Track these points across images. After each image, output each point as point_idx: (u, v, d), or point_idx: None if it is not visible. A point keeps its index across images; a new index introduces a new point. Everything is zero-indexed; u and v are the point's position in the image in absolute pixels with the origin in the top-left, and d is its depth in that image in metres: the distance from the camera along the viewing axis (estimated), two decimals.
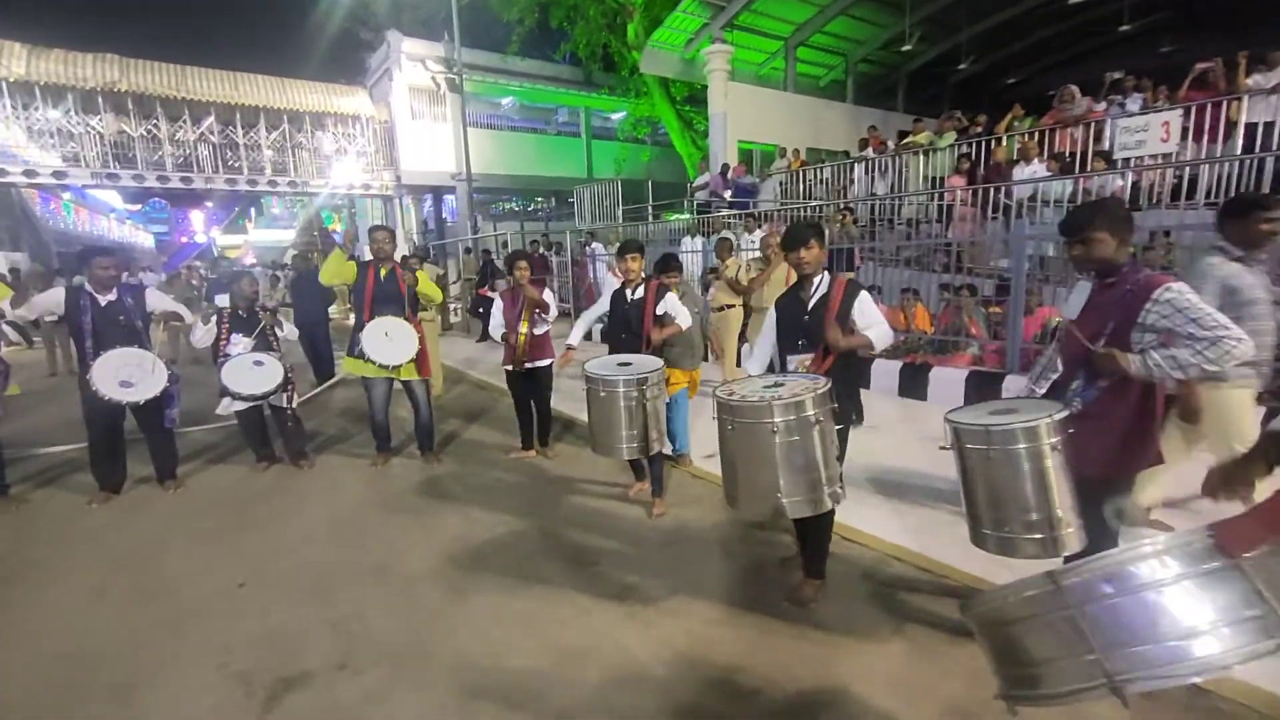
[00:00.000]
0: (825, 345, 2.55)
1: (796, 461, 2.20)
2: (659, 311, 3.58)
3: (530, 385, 4.50)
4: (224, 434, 5.28)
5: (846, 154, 12.42)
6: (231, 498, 4.02)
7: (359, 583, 2.91)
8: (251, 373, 4.13)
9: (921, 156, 9.58)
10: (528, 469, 4.42)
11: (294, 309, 7.70)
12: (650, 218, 14.44)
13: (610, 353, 3.67)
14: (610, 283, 6.87)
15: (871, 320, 2.54)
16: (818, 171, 11.89)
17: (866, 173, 10.52)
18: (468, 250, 15.28)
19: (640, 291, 3.61)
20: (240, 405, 4.19)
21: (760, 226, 9.06)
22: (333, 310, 10.45)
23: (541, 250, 12.73)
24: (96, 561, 3.19)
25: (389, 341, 4.25)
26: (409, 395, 4.49)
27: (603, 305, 3.92)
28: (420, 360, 4.41)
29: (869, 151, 10.72)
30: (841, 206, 8.35)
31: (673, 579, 2.88)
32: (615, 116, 24.27)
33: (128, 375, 3.74)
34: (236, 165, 16.97)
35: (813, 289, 2.61)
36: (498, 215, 25.44)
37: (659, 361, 3.24)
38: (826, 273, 2.65)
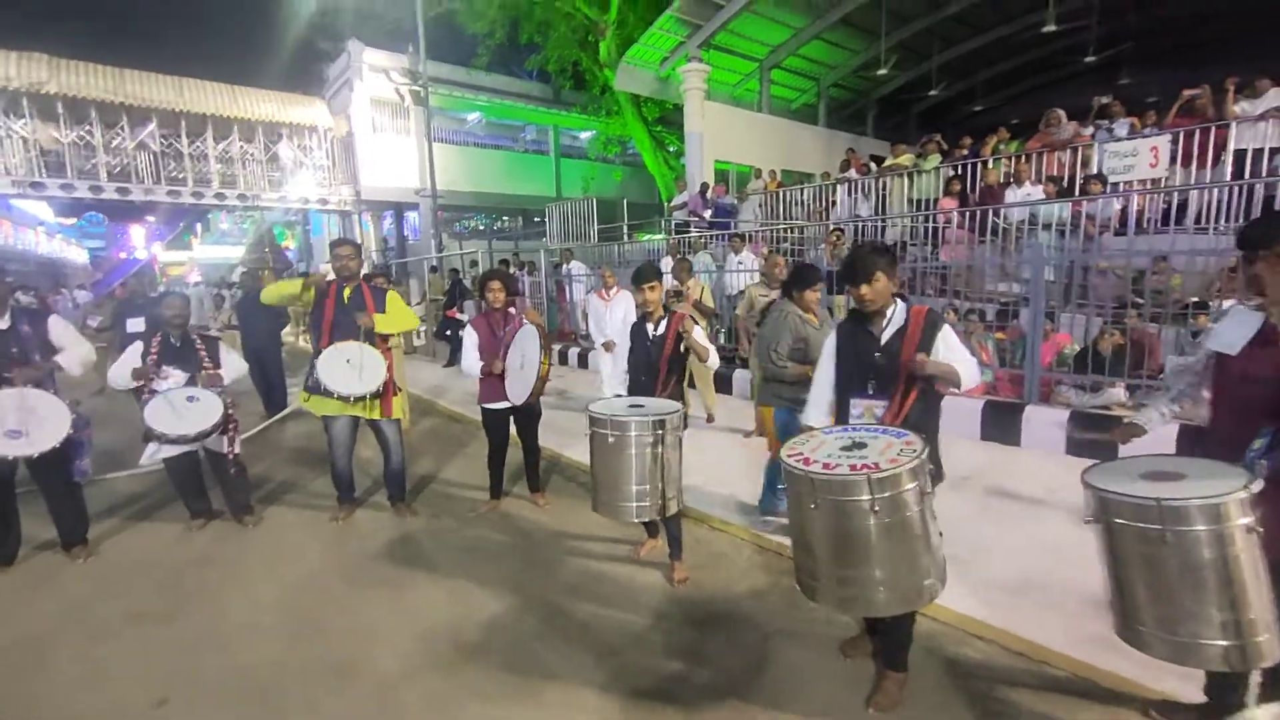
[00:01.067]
0: (903, 389, 2.12)
1: (898, 549, 1.75)
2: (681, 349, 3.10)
3: (519, 422, 3.94)
4: (152, 481, 4.49)
5: (826, 174, 12.33)
6: (157, 568, 3.30)
7: (316, 690, 2.29)
8: (184, 409, 3.43)
9: (905, 179, 9.48)
10: (515, 523, 3.84)
11: (241, 332, 6.92)
12: (624, 237, 14.06)
13: (630, 395, 3.18)
14: (595, 305, 6.38)
15: (959, 357, 2.14)
16: (797, 193, 11.75)
17: (850, 194, 10.38)
18: (433, 269, 14.56)
19: (662, 328, 3.12)
20: (170, 451, 3.48)
21: (745, 247, 8.75)
22: (285, 333, 9.64)
23: (512, 269, 12.15)
24: None
25: (350, 370, 3.63)
26: (376, 435, 3.87)
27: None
28: (386, 395, 3.80)
29: (852, 172, 10.60)
30: (832, 229, 8.10)
31: (714, 670, 2.36)
32: (585, 135, 24.01)
33: (16, 422, 3.02)
34: (180, 176, 15.86)
35: (885, 321, 2.20)
36: (462, 234, 24.70)
37: (675, 404, 2.75)
38: (899, 300, 2.23)
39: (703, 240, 10.62)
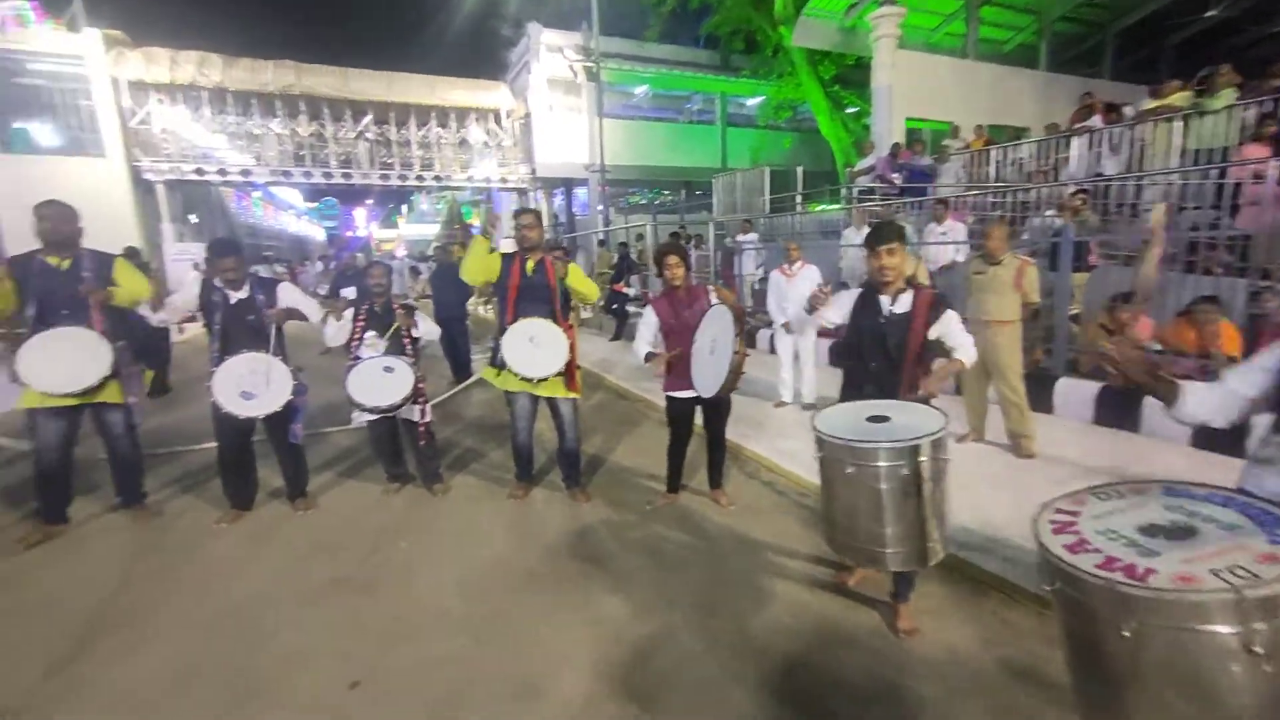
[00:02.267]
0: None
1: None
2: (932, 336, 2.44)
3: (706, 414, 3.55)
4: (361, 436, 4.86)
5: (1053, 126, 10.24)
6: (359, 531, 3.46)
7: (498, 707, 2.12)
8: (380, 381, 3.56)
9: (1178, 123, 7.42)
10: (696, 524, 3.48)
11: (434, 301, 7.47)
12: (796, 207, 13.06)
13: (847, 390, 2.61)
14: (776, 281, 5.76)
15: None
16: (1011, 150, 9.91)
17: (1090, 148, 8.44)
18: (601, 243, 14.82)
19: (905, 303, 2.48)
20: (371, 415, 3.66)
21: (948, 215, 7.50)
22: (470, 303, 10.35)
23: (680, 242, 11.86)
24: (199, 618, 2.68)
25: (534, 349, 3.50)
26: (553, 413, 3.73)
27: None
28: (569, 374, 3.63)
29: (1095, 120, 8.60)
30: (1073, 191, 6.55)
31: None
32: (752, 102, 22.87)
33: (250, 385, 3.29)
34: (390, 162, 17.83)
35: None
36: (626, 208, 25.04)
37: (939, 417, 2.09)
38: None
39: (892, 209, 9.40)
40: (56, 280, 3.14)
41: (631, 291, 11.37)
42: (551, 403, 3.70)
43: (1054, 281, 5.36)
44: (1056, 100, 13.86)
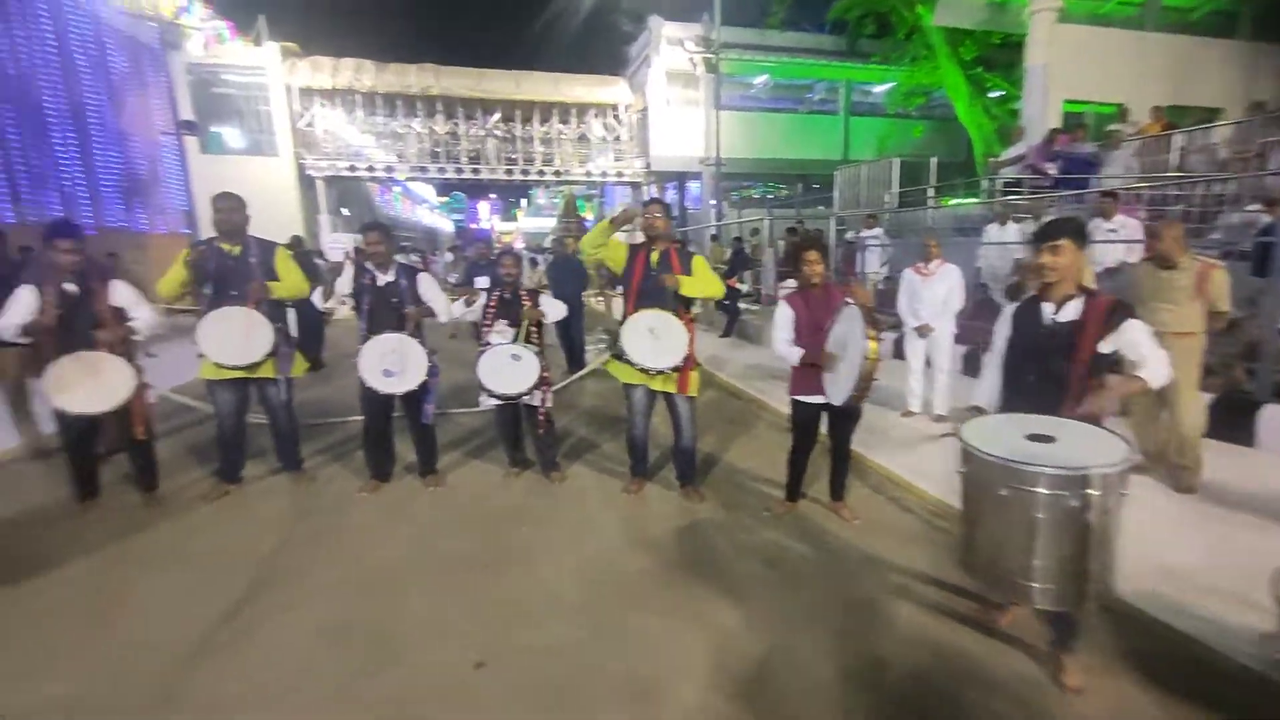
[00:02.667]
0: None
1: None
2: (1105, 349, 2.10)
3: (833, 421, 3.35)
4: (484, 420, 5.13)
5: (1258, 105, 8.67)
6: (484, 512, 3.62)
7: (612, 705, 2.10)
8: (508, 368, 3.69)
9: None
10: (817, 536, 3.29)
11: (551, 292, 7.72)
12: (928, 201, 12.11)
13: (1005, 402, 2.32)
14: (910, 281, 5.31)
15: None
16: (1197, 136, 8.51)
17: None
18: (713, 237, 14.62)
19: (1073, 310, 2.16)
20: (496, 401, 3.81)
21: (1116, 209, 6.56)
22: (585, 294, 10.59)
23: (798, 239, 11.40)
24: (346, 581, 2.91)
25: (653, 340, 3.46)
26: (670, 409, 3.68)
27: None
28: (684, 370, 3.56)
29: None
30: None
31: None
32: (880, 89, 21.53)
33: (390, 364, 3.53)
34: (514, 157, 18.73)
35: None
36: (739, 202, 24.56)
37: (1119, 446, 1.79)
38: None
39: (1045, 203, 8.41)
40: (229, 264, 3.53)
41: (744, 288, 11.12)
42: (669, 399, 3.65)
43: (1260, 288, 4.52)
44: (1262, 74, 11.78)
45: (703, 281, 3.59)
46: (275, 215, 15.57)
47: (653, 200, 3.63)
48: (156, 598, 2.72)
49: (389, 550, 3.14)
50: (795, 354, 3.26)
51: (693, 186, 23.02)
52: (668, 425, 3.76)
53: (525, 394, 3.68)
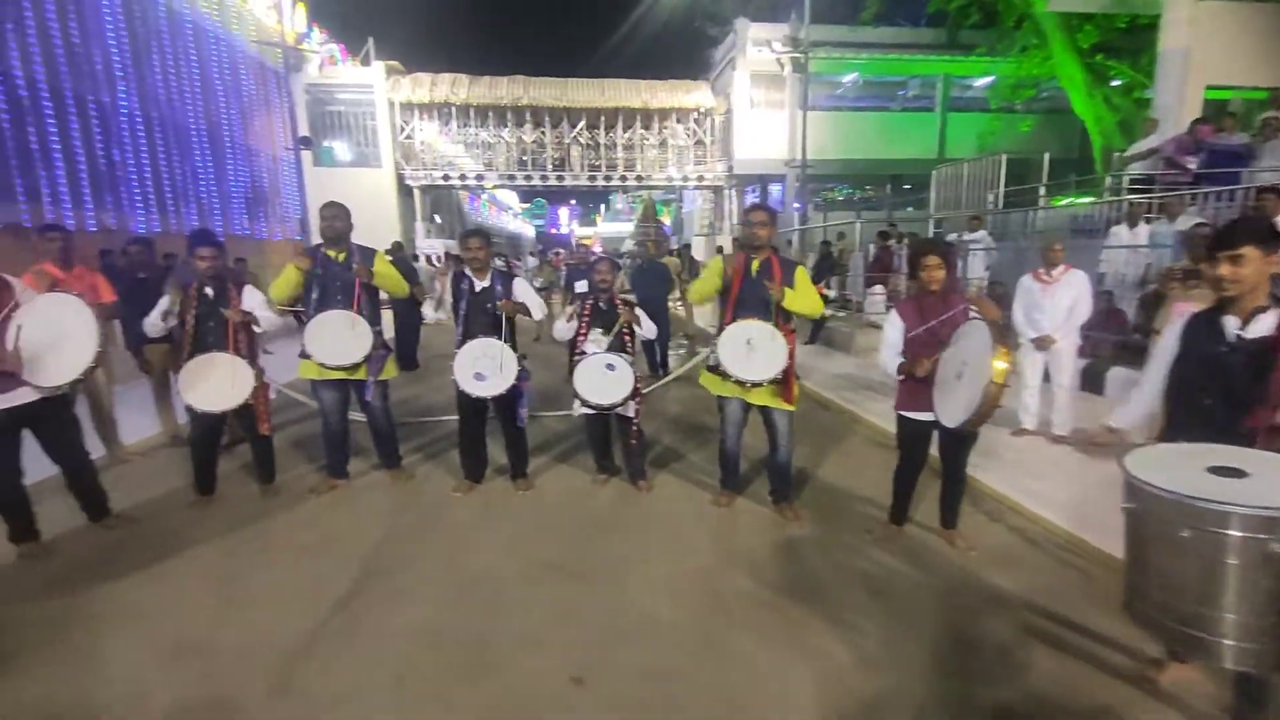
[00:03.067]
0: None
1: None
2: None
3: (945, 442, 3.09)
4: (571, 424, 5.14)
5: None
6: (574, 519, 3.61)
7: None
8: (602, 378, 3.65)
9: None
10: (930, 564, 3.03)
11: (635, 296, 7.71)
12: (1039, 202, 11.16)
13: (1171, 429, 2.02)
14: (1029, 289, 4.84)
15: None
16: None
17: None
18: (788, 242, 14.21)
19: (1266, 325, 1.84)
20: (588, 410, 3.78)
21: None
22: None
23: (890, 241, 10.83)
24: (444, 582, 2.96)
25: (750, 351, 3.32)
26: (766, 423, 3.52)
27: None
28: (785, 384, 3.39)
29: None
30: None
31: None
32: (981, 83, 20.17)
33: (483, 368, 3.59)
34: (597, 164, 19.03)
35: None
36: (823, 205, 23.75)
37: None
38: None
39: (1185, 200, 7.51)
40: (334, 269, 3.72)
41: (831, 294, 10.68)
42: (765, 412, 3.49)
43: None
44: None
45: (805, 297, 3.39)
46: (377, 223, 16.60)
47: (756, 206, 3.48)
48: (274, 587, 2.88)
49: (483, 553, 3.18)
50: (892, 365, 3.05)
51: (774, 189, 22.51)
52: (756, 437, 3.61)
53: (619, 405, 3.63)
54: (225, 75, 15.06)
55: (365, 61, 18.18)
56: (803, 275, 3.42)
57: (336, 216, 3.70)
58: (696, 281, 3.64)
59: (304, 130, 16.30)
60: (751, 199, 24.21)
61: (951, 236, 10.27)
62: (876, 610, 2.66)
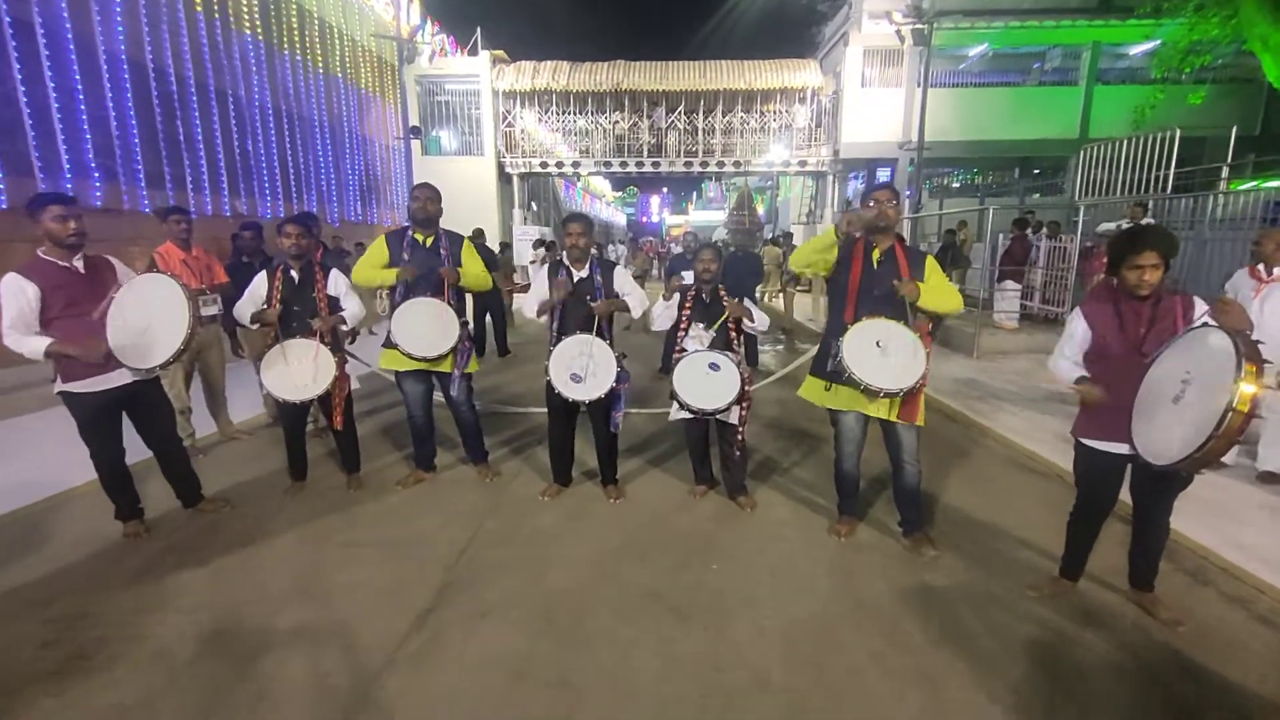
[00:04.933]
0: None
1: None
2: None
3: (1143, 485, 2.43)
4: (667, 425, 4.74)
5: None
6: (669, 536, 3.23)
7: None
8: (704, 379, 3.23)
9: None
10: (1112, 631, 2.39)
11: (727, 286, 7.22)
12: (1220, 185, 9.46)
13: None
14: (1240, 292, 3.87)
15: None
16: None
17: None
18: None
19: None
20: (687, 414, 3.38)
21: None
22: (759, 289, 9.93)
23: (1029, 231, 9.58)
24: (529, 601, 2.70)
25: (882, 357, 2.79)
26: (887, 439, 3.01)
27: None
28: (912, 396, 2.83)
29: None
30: None
31: None
32: (1137, 50, 17.61)
33: (579, 368, 3.27)
34: (693, 149, 18.49)
35: None
36: (938, 191, 21.83)
37: None
38: None
39: None
40: (421, 254, 3.52)
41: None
42: (887, 426, 2.96)
43: None
44: None
45: (940, 292, 2.84)
46: (478, 209, 17.06)
47: (882, 185, 2.96)
48: (355, 589, 2.73)
49: (570, 571, 2.89)
50: (1070, 374, 2.45)
51: (882, 173, 20.94)
52: (871, 450, 3.12)
53: (723, 410, 3.22)
54: (346, 69, 15.91)
55: (473, 51, 18.64)
56: (934, 267, 2.88)
57: (430, 199, 3.52)
58: (804, 245, 3.14)
59: (414, 120, 16.95)
60: (855, 185, 22.74)
61: (1106, 227, 8.92)
62: (1050, 686, 2.09)
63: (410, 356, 3.44)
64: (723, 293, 3.39)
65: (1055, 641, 2.37)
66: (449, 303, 3.49)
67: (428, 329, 3.44)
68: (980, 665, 2.23)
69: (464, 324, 3.56)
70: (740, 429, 3.36)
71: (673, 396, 3.30)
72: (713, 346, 3.32)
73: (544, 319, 3.51)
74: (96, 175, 8.48)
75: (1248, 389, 1.85)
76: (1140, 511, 2.50)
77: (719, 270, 3.40)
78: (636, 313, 3.56)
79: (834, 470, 3.21)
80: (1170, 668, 2.21)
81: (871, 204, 2.85)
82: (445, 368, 3.57)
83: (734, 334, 3.39)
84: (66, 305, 2.76)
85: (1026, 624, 2.46)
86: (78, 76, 8.20)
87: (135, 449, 3.18)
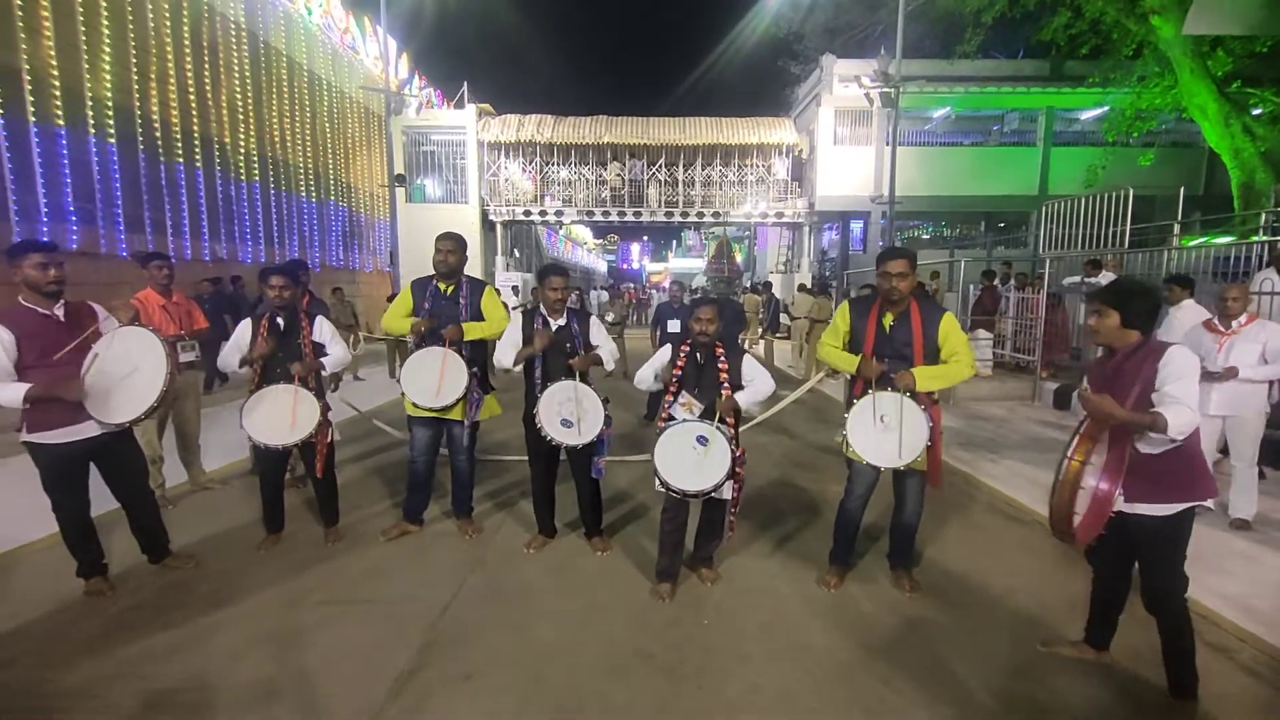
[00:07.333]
0: None
1: None
2: None
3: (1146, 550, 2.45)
4: (644, 471, 4.69)
5: None
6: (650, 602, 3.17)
7: None
8: (690, 457, 2.82)
9: None
10: (1117, 699, 2.38)
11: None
12: (1172, 240, 10.00)
13: None
14: (1202, 344, 4.02)
15: None
16: None
17: None
18: (866, 286, 13.43)
19: None
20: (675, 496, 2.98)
21: None
22: (741, 337, 10.09)
23: (995, 282, 9.96)
24: (517, 662, 2.60)
25: (883, 432, 2.79)
26: (895, 483, 3.03)
27: None
28: (931, 460, 2.86)
29: None
30: None
31: None
32: (1088, 115, 18.86)
33: (568, 413, 3.24)
34: (674, 200, 19.02)
35: None
36: (905, 242, 22.64)
37: None
38: None
39: None
40: (443, 303, 3.54)
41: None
42: (898, 474, 2.97)
43: None
44: None
45: (947, 367, 2.83)
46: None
47: (893, 252, 2.88)
48: (333, 651, 2.60)
49: (560, 628, 2.80)
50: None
51: (855, 226, 21.71)
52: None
53: (711, 491, 2.84)
54: (333, 119, 16.20)
55: (459, 104, 19.15)
56: (951, 327, 2.86)
57: (452, 251, 3.53)
58: (826, 336, 3.15)
59: (399, 169, 17.22)
60: (830, 236, 23.47)
61: (1071, 280, 9.31)
62: None
63: (417, 406, 3.41)
64: (719, 351, 3.06)
65: (1048, 696, 2.34)
66: (460, 353, 3.47)
67: (435, 379, 3.42)
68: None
69: (474, 374, 3.53)
70: (733, 508, 3.03)
71: (655, 473, 2.93)
72: (704, 416, 2.99)
73: (518, 369, 3.43)
74: (74, 219, 8.40)
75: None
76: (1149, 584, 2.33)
77: (717, 331, 3.06)
78: (609, 365, 3.50)
79: (838, 510, 3.16)
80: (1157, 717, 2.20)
81: (881, 278, 2.82)
82: (456, 415, 3.55)
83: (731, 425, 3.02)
84: (43, 353, 2.69)
85: (1033, 688, 2.42)
86: (61, 121, 8.22)
87: (99, 498, 3.05)
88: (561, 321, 3.43)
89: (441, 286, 3.57)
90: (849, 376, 3.20)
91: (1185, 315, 4.61)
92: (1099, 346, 2.37)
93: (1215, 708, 2.25)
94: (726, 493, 2.92)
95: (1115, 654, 2.52)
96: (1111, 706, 2.29)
